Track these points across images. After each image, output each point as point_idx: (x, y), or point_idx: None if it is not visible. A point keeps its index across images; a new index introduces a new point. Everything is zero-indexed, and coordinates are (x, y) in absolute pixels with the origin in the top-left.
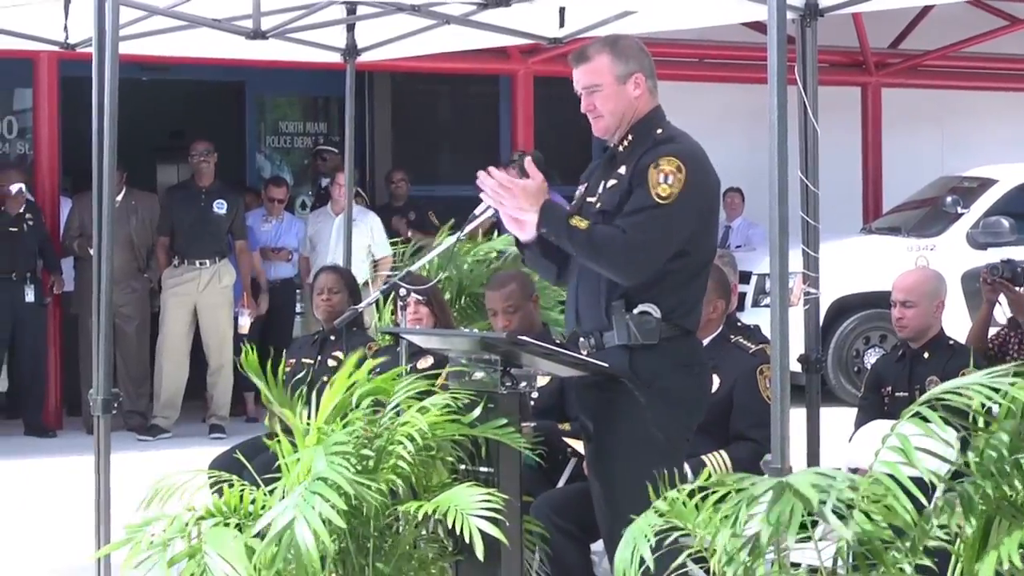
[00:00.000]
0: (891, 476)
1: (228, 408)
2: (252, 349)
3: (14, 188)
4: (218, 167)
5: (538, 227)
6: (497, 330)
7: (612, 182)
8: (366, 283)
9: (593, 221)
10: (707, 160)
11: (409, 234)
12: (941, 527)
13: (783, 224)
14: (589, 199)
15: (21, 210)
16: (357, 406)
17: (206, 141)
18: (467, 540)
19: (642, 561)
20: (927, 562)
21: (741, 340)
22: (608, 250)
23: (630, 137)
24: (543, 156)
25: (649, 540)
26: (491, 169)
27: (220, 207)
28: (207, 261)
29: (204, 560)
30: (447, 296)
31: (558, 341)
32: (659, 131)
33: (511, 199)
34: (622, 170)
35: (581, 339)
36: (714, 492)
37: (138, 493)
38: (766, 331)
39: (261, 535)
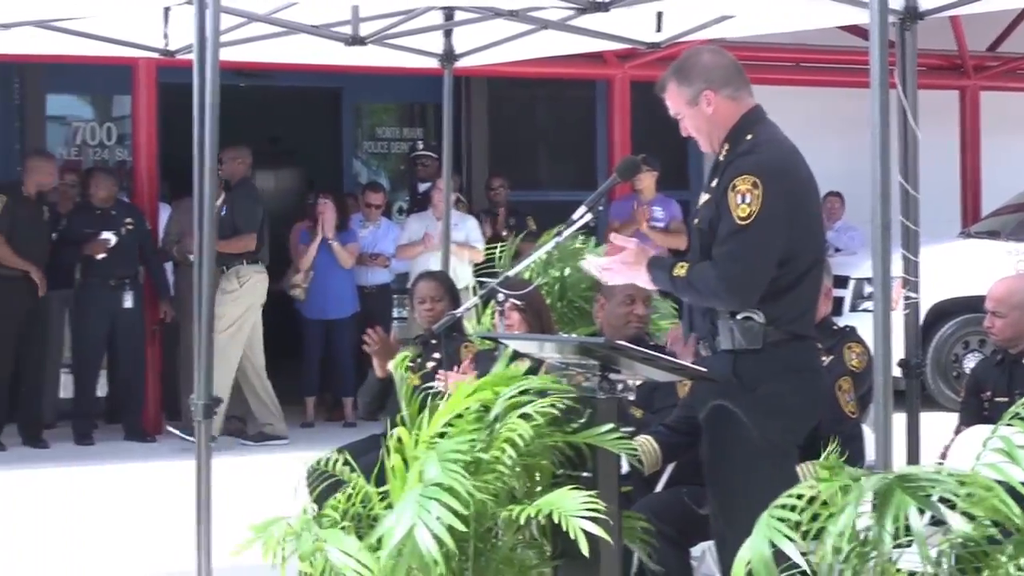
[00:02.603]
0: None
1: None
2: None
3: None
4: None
5: (652, 283)
6: (633, 317)
7: (706, 196)
8: (465, 287)
9: (697, 236)
10: (791, 162)
11: (504, 233)
12: None
13: (886, 228)
14: (697, 207)
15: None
16: (463, 414)
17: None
18: (572, 545)
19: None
20: None
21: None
22: (707, 288)
23: (727, 146)
24: (640, 158)
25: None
26: (588, 258)
27: (224, 210)
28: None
29: (325, 559)
30: (547, 300)
31: (653, 344)
32: (749, 136)
33: (618, 276)
34: (715, 183)
35: (701, 342)
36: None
37: (234, 497)
38: (864, 335)
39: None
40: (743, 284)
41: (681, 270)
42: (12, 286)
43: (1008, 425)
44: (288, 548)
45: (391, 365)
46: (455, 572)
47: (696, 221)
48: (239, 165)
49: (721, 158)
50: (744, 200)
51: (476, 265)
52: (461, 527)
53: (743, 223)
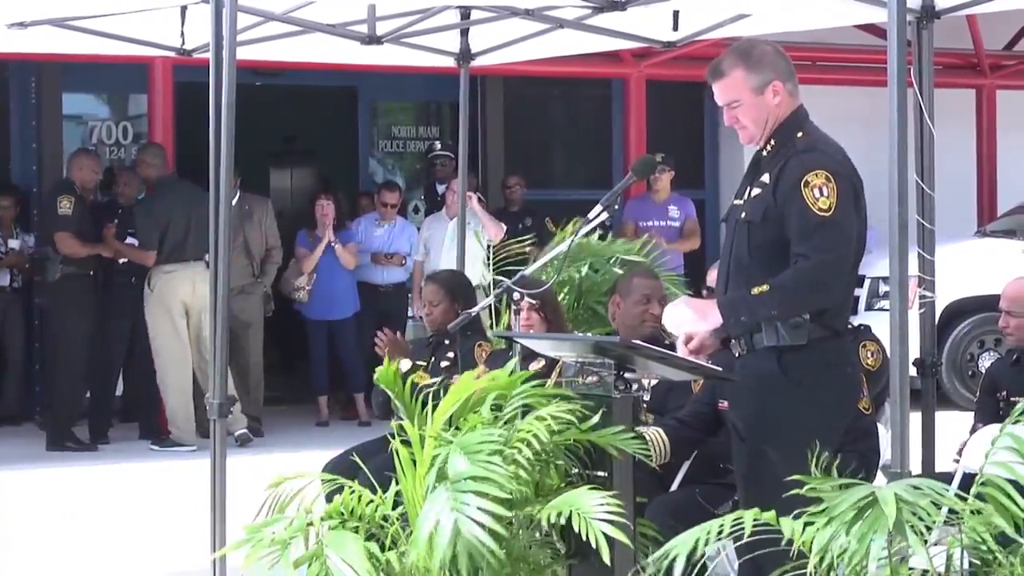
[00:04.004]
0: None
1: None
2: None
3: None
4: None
5: (726, 322)
6: (649, 316)
7: (756, 191)
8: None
9: (740, 230)
10: (848, 160)
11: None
12: None
13: (903, 227)
14: (736, 202)
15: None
16: (478, 410)
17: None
18: (586, 544)
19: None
20: None
21: None
22: (803, 286)
23: (773, 141)
24: (656, 158)
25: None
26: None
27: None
28: None
29: (326, 562)
30: (564, 301)
31: (668, 342)
32: (799, 134)
33: (685, 326)
34: (765, 178)
35: (732, 342)
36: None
37: (249, 497)
38: (880, 334)
39: (380, 543)
40: (837, 273)
41: (762, 287)
42: (81, 284)
43: (1017, 423)
44: (282, 551)
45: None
46: (470, 571)
47: (743, 215)
48: (148, 168)
49: (765, 153)
50: (822, 193)
51: (494, 261)
52: (506, 512)
53: (825, 215)
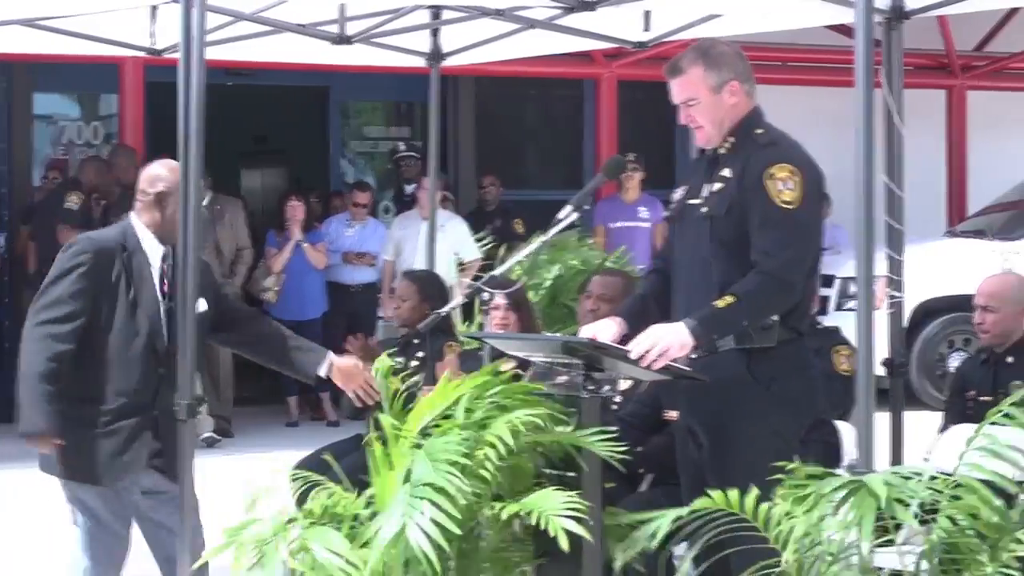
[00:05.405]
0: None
1: None
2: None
3: None
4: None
5: (697, 342)
6: (585, 309)
7: (718, 185)
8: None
9: (700, 226)
10: (810, 156)
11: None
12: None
13: (869, 228)
14: (692, 201)
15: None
16: (452, 413)
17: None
18: (551, 541)
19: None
20: (1014, 568)
21: None
22: (771, 290)
23: (732, 139)
24: (626, 158)
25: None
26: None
27: None
28: None
29: (312, 556)
30: (537, 301)
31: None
32: (759, 131)
33: (663, 351)
34: (727, 172)
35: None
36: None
37: (220, 497)
38: (849, 334)
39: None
40: (800, 270)
41: (727, 299)
42: None
43: (993, 424)
44: (264, 551)
45: (376, 372)
46: (439, 571)
47: (704, 211)
48: (119, 171)
49: (723, 151)
50: (787, 186)
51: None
52: (454, 528)
53: (789, 207)
